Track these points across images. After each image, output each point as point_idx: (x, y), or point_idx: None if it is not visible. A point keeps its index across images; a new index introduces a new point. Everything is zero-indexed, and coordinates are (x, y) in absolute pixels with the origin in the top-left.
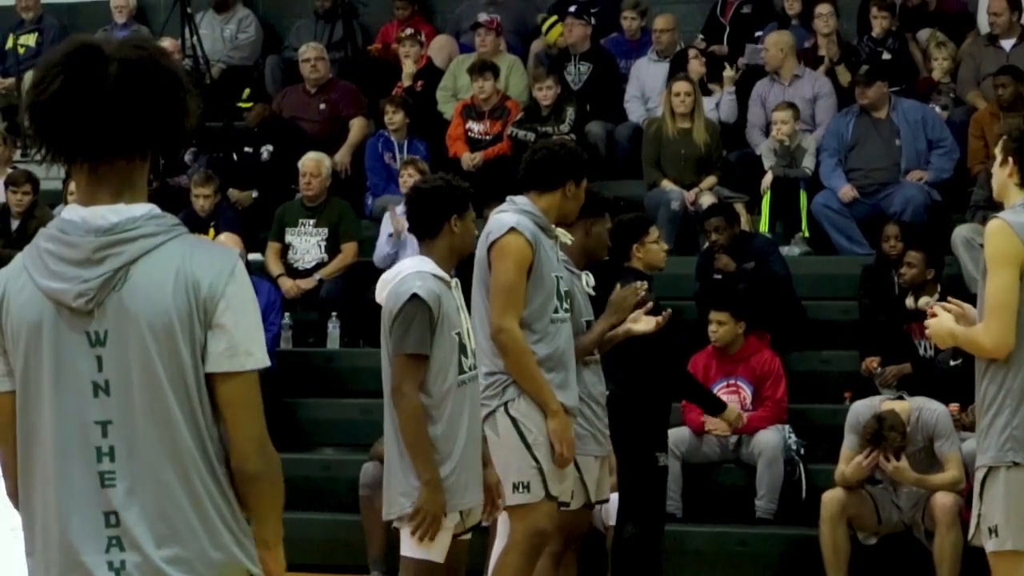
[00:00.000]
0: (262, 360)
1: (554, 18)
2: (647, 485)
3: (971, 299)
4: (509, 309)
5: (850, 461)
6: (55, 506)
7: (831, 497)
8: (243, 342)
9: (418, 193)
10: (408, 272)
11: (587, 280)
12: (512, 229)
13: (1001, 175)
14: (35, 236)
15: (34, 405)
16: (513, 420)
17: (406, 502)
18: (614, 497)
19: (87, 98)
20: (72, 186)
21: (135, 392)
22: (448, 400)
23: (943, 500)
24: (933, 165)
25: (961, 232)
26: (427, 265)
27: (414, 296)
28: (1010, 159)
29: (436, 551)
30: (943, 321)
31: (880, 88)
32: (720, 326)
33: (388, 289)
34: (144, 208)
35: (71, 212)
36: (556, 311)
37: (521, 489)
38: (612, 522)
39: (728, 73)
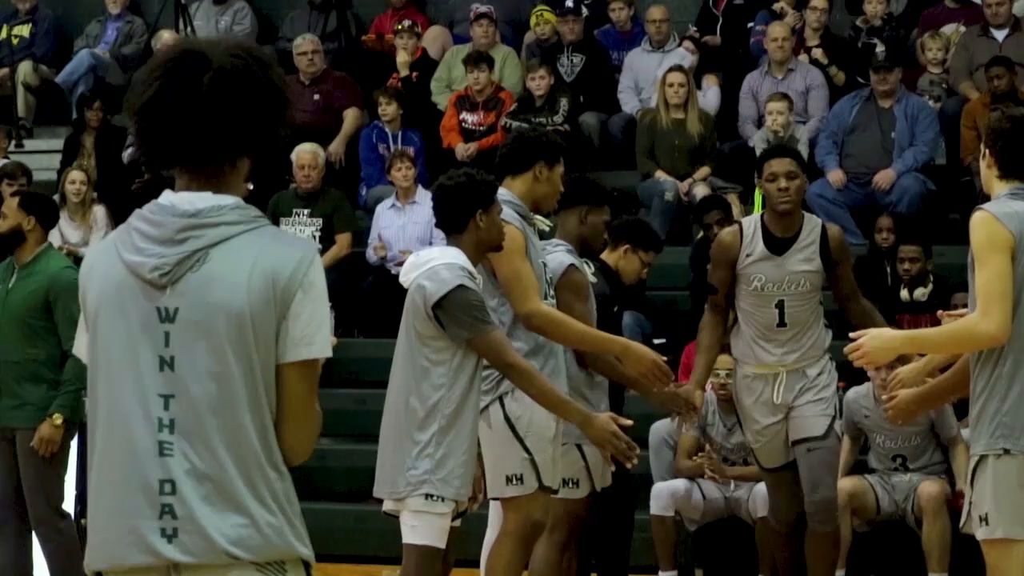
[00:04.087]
0: (321, 350)
1: (541, 8)
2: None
3: (966, 289)
4: (529, 293)
5: (846, 449)
6: (118, 470)
7: (838, 487)
8: (311, 332)
9: (443, 190)
10: (439, 263)
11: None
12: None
13: (983, 168)
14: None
15: (103, 373)
16: (506, 413)
17: (402, 482)
18: (761, 488)
19: (180, 105)
20: (70, 176)
21: (199, 370)
22: (472, 393)
23: (929, 489)
24: (902, 158)
25: None
26: (459, 258)
27: (462, 287)
28: (988, 151)
29: (437, 536)
30: (875, 339)
31: (898, 74)
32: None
33: (417, 275)
34: (231, 199)
35: (165, 197)
36: (545, 297)
37: (515, 481)
38: (761, 513)
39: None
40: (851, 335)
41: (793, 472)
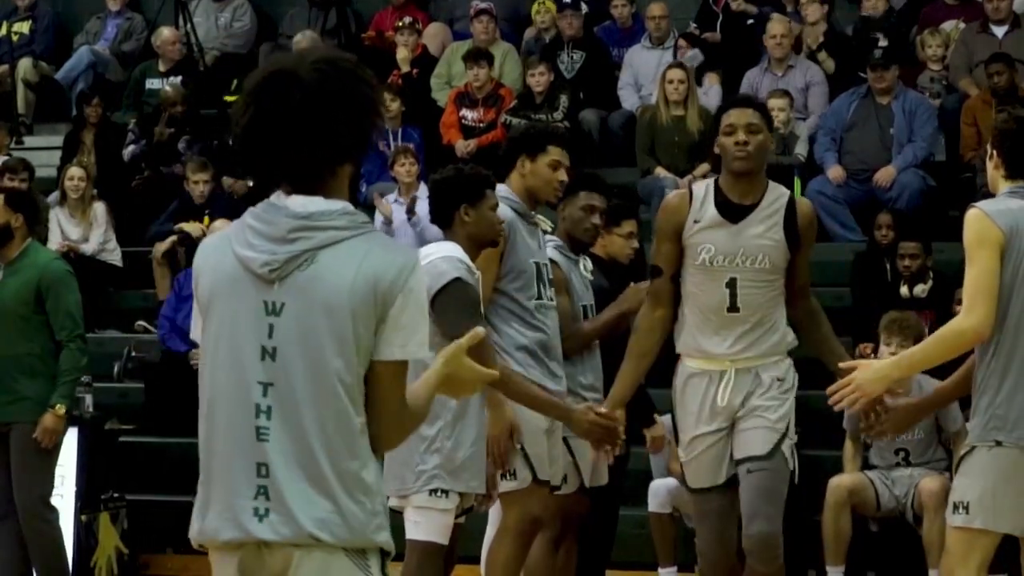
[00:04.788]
0: (414, 352)
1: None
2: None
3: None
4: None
5: (851, 449)
6: (220, 451)
7: (838, 484)
8: (407, 335)
9: (433, 185)
10: (436, 256)
11: (585, 264)
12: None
13: (990, 168)
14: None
15: (212, 359)
16: None
17: (410, 478)
18: None
19: (274, 126)
20: (70, 172)
21: (299, 362)
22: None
23: (930, 485)
24: (902, 154)
25: None
26: (456, 251)
27: (457, 280)
28: (994, 152)
29: (441, 533)
30: (866, 371)
31: (895, 72)
32: None
33: None
34: (340, 204)
35: (277, 199)
36: (539, 297)
37: (508, 476)
38: None
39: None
40: (841, 366)
41: (724, 499)
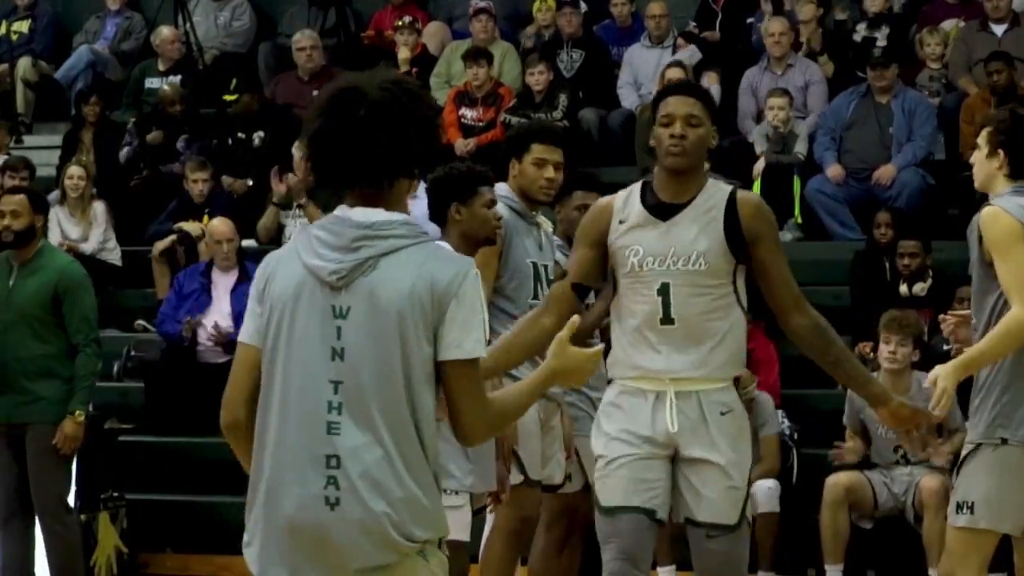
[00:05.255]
0: (470, 352)
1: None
2: None
3: (965, 284)
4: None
5: (852, 441)
6: (292, 444)
7: (835, 482)
8: (462, 336)
9: (428, 184)
10: None
11: None
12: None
13: (989, 166)
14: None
15: (280, 359)
16: None
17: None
18: (762, 484)
19: (339, 140)
20: (69, 172)
21: (366, 361)
22: None
23: (932, 483)
24: (901, 153)
25: (978, 220)
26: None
27: None
28: (1001, 151)
29: (459, 530)
30: (944, 380)
31: (895, 70)
32: None
33: None
34: (401, 215)
35: (342, 211)
36: (535, 297)
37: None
38: (760, 510)
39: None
40: (926, 383)
41: (642, 524)
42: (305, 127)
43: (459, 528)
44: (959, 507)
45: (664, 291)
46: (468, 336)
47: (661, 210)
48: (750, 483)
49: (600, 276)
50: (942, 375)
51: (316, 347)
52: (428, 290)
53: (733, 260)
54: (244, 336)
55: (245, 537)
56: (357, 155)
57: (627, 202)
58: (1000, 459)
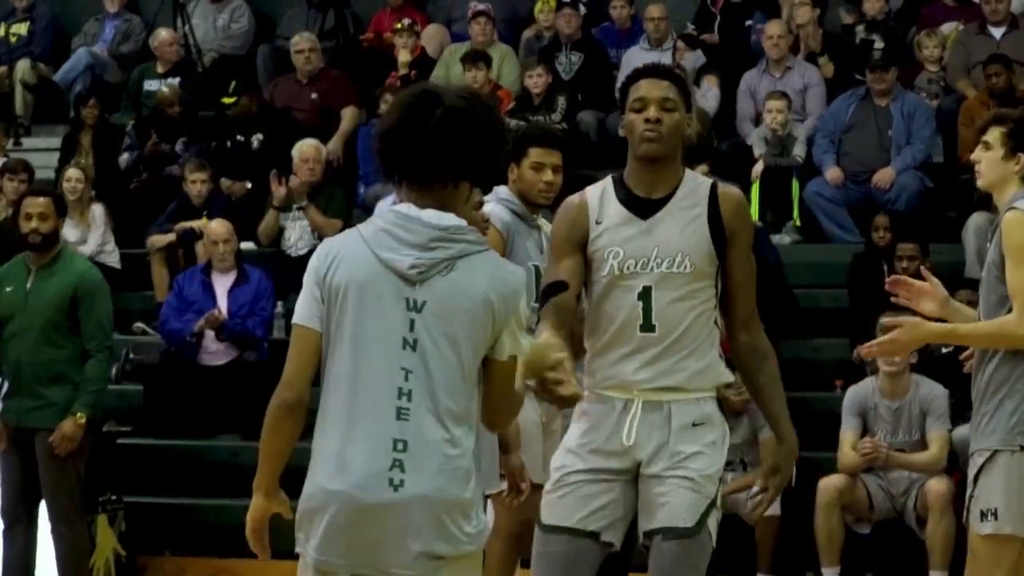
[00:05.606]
0: (518, 351)
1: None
2: None
3: (963, 287)
4: None
5: (850, 444)
6: (362, 427)
7: (827, 484)
8: (515, 339)
9: None
10: None
11: None
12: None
13: (1004, 168)
14: (372, 219)
15: (347, 344)
16: None
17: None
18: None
19: (413, 135)
20: (67, 174)
21: (436, 353)
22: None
23: (937, 487)
24: (900, 156)
25: (975, 220)
26: None
27: None
28: (1021, 155)
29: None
30: (904, 335)
31: (895, 73)
32: None
33: None
34: (463, 221)
35: (407, 209)
36: (537, 299)
37: (501, 478)
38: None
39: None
40: (884, 322)
41: (580, 549)
42: (380, 123)
43: None
44: (983, 515)
45: (645, 295)
46: (518, 340)
47: (640, 207)
48: (749, 487)
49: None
50: (907, 328)
51: (389, 335)
52: (498, 297)
53: (716, 261)
54: (304, 319)
55: (300, 524)
56: (429, 152)
57: (602, 200)
58: (1019, 465)
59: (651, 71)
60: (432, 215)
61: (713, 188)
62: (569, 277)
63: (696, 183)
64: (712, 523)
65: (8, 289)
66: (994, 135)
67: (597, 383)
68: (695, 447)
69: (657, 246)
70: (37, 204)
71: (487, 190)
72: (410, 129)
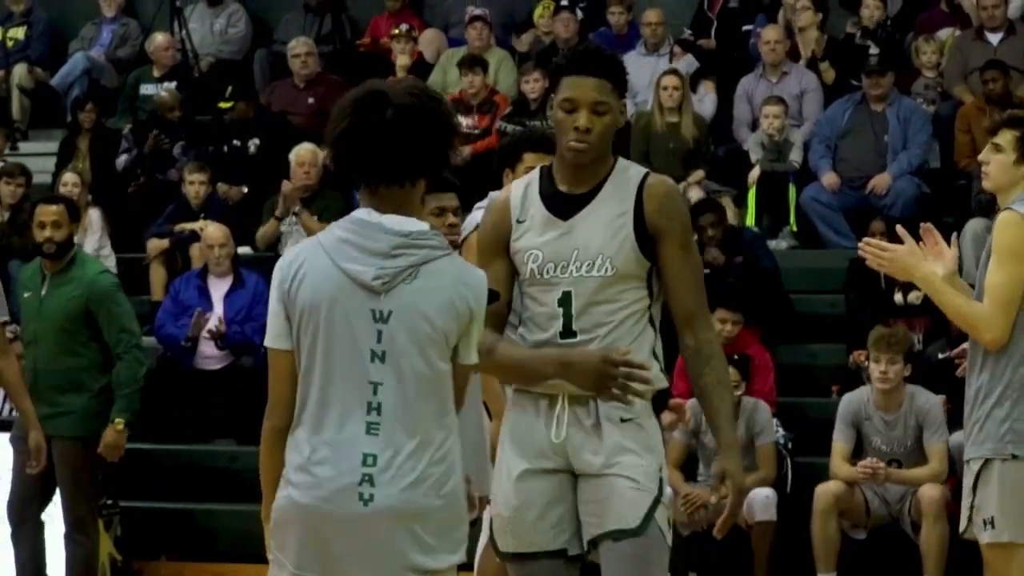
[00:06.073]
0: (475, 357)
1: (547, 1)
2: None
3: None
4: None
5: (842, 454)
6: (328, 442)
7: (824, 490)
8: (475, 345)
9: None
10: None
11: None
12: (477, 227)
13: (1015, 173)
14: (332, 227)
15: (319, 360)
16: (489, 412)
17: None
18: (758, 492)
19: (368, 137)
20: (64, 179)
21: (406, 363)
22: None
23: (930, 493)
24: (896, 161)
25: (973, 226)
26: None
27: None
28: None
29: None
30: (914, 260)
31: (891, 78)
32: (734, 326)
33: None
34: (427, 225)
35: (367, 215)
36: None
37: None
38: (757, 519)
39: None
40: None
41: (550, 571)
42: (330, 128)
43: None
44: (984, 524)
45: (565, 301)
46: (472, 344)
47: (562, 205)
48: (743, 493)
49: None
50: (912, 251)
51: (357, 349)
52: (464, 302)
53: (647, 262)
54: (273, 341)
55: (271, 542)
56: (383, 153)
57: (525, 196)
58: (1012, 474)
59: (583, 65)
60: (394, 221)
61: (642, 182)
62: (497, 284)
63: (626, 175)
64: (661, 519)
65: (26, 295)
66: (1006, 138)
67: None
68: (628, 443)
69: (576, 248)
70: (50, 212)
71: (431, 178)
72: (364, 131)
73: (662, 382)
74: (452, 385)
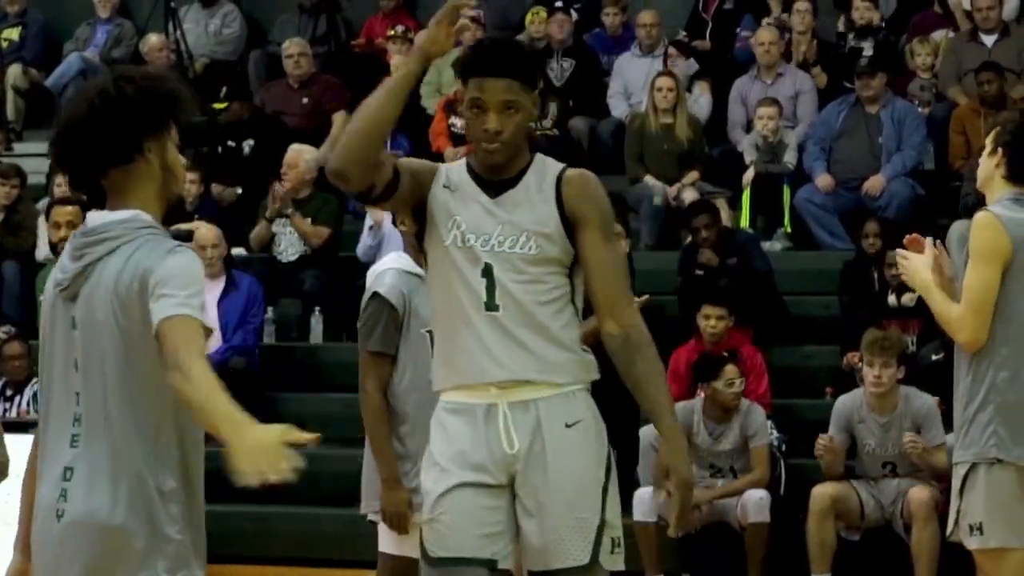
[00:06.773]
0: (170, 312)
1: (536, 9)
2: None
3: None
4: None
5: (835, 453)
6: (46, 461)
7: (821, 492)
8: (165, 305)
9: None
10: (384, 268)
11: None
12: None
13: (988, 165)
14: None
15: (43, 376)
16: None
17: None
18: (752, 494)
19: (60, 138)
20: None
21: (98, 369)
22: (413, 397)
23: (920, 495)
24: (891, 163)
25: (958, 228)
26: (403, 261)
27: (375, 294)
28: (1000, 150)
29: (410, 547)
30: (920, 268)
31: (882, 80)
32: (719, 321)
33: (372, 282)
34: (128, 213)
35: (91, 216)
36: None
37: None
38: (750, 520)
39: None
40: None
41: None
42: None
43: (410, 546)
44: (970, 529)
45: (488, 273)
46: (167, 300)
47: (490, 185)
48: (691, 487)
49: (399, 194)
50: (920, 260)
51: (63, 361)
52: (138, 279)
53: (571, 249)
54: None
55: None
56: (66, 154)
57: (457, 172)
58: (997, 479)
59: (490, 65)
60: (99, 217)
61: (561, 173)
62: (401, 170)
63: (545, 167)
64: (605, 549)
65: (43, 297)
66: (991, 136)
67: (446, 382)
68: (569, 456)
69: (501, 224)
70: (66, 213)
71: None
72: (58, 134)
73: (596, 374)
74: (163, 386)
